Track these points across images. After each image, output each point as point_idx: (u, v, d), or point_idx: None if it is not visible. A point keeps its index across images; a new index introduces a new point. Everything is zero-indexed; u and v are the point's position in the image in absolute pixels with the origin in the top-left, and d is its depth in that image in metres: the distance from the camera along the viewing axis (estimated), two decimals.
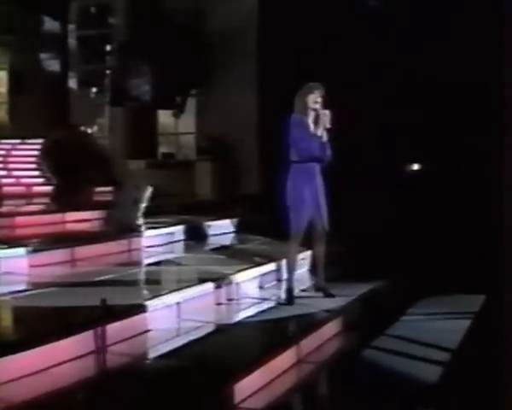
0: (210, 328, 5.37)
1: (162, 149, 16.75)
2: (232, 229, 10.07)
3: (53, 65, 18.27)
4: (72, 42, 17.49)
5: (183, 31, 15.31)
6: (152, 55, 15.53)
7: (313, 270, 6.84)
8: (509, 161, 4.71)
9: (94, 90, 18.09)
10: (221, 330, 5.38)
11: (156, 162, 15.40)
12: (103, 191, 11.71)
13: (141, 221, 7.74)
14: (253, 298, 6.44)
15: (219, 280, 6.16)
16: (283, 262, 6.86)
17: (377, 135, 10.24)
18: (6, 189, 13.57)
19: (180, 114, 16.56)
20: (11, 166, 15.27)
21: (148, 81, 15.70)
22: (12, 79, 18.42)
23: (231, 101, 14.10)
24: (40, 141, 15.85)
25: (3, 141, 16.40)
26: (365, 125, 10.25)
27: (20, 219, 8.54)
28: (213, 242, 9.07)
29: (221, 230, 9.71)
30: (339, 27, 11.31)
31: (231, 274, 6.41)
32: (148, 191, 7.82)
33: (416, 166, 10.41)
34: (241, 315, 5.95)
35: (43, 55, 18.25)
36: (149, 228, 8.11)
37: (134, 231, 7.52)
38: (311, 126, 6.26)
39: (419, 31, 10.08)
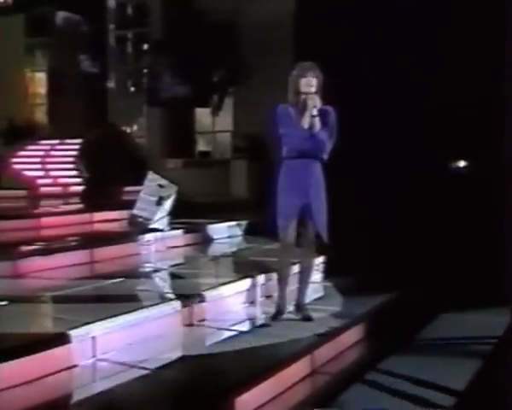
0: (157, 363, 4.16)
1: (199, 148, 16.66)
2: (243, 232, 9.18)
3: (91, 65, 18.34)
4: (110, 42, 17.51)
5: (219, 29, 15.25)
6: (188, 53, 15.51)
7: (299, 284, 5.48)
8: None
9: (132, 89, 18.12)
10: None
11: (193, 161, 15.31)
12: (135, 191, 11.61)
13: (164, 221, 7.51)
14: (225, 319, 5.31)
15: (190, 298, 5.12)
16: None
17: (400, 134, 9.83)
18: (43, 189, 13.73)
19: (218, 112, 16.50)
20: (49, 166, 15.40)
21: (184, 80, 15.66)
22: (51, 81, 18.56)
23: (268, 98, 13.91)
24: (78, 141, 15.92)
25: (43, 142, 16.55)
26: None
27: (46, 220, 8.34)
28: (225, 246, 8.30)
29: (232, 233, 8.93)
30: (377, 22, 11.00)
31: (209, 289, 5.38)
32: (173, 190, 7.62)
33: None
34: (202, 342, 4.89)
35: (81, 56, 18.33)
36: (172, 228, 7.82)
37: (155, 231, 7.31)
38: (298, 116, 5.15)
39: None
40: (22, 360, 3.59)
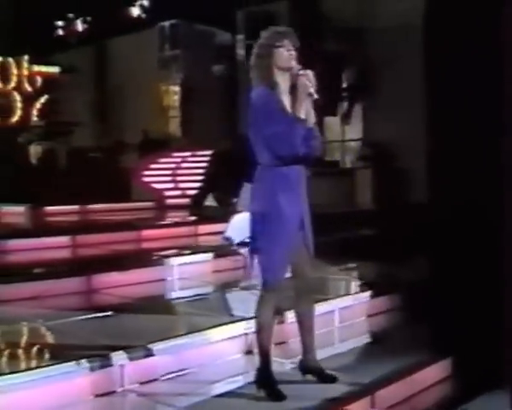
0: None
1: (328, 157, 16.27)
2: None
3: (222, 76, 18.48)
4: (240, 52, 17.52)
5: (346, 34, 14.89)
6: (315, 59, 15.23)
7: (300, 337, 4.06)
8: None
9: None
10: None
11: (319, 171, 14.92)
12: None
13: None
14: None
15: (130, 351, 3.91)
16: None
17: None
18: (170, 201, 13.96)
19: (348, 121, 16.10)
20: (179, 178, 15.61)
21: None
22: (184, 93, 18.93)
23: (397, 105, 13.49)
24: (210, 153, 16.04)
25: (175, 154, 16.85)
26: None
27: (148, 232, 8.54)
28: None
29: None
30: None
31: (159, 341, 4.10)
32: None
33: None
34: None
35: (213, 68, 18.52)
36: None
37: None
38: (287, 103, 3.75)
39: None
40: None
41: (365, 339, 5.20)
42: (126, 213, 11.72)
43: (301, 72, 3.70)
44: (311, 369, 4.03)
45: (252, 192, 3.83)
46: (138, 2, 19.70)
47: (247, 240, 4.04)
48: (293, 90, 3.75)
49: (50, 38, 21.02)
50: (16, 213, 11.44)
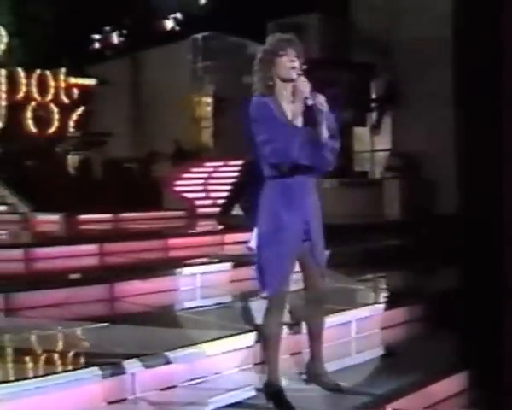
0: None
1: (357, 168, 16.41)
2: None
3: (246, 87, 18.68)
4: None
5: (375, 45, 15.01)
6: (345, 72, 15.40)
7: (309, 346, 4.08)
8: None
9: None
10: None
11: (348, 181, 15.06)
12: None
13: None
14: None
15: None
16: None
17: None
18: (201, 210, 14.14)
19: (377, 132, 16.21)
20: (210, 187, 15.83)
21: (342, 99, 15.52)
22: (215, 104, 19.21)
23: (425, 116, 13.57)
24: (240, 162, 16.25)
25: (207, 163, 17.15)
26: None
27: (174, 241, 8.59)
28: None
29: None
30: None
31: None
32: None
33: None
34: None
35: (243, 78, 18.72)
36: None
37: None
38: (289, 113, 3.65)
39: None
40: None
41: (381, 351, 5.15)
42: (157, 221, 11.96)
43: (297, 77, 3.59)
44: (316, 377, 4.03)
45: (258, 205, 3.78)
46: (172, 15, 20.12)
47: None
48: (294, 98, 3.66)
49: (87, 51, 21.66)
50: (51, 221, 11.81)
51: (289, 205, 3.66)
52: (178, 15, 20.40)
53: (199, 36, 19.70)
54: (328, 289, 4.09)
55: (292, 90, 3.65)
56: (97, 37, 22.57)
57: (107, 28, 22.38)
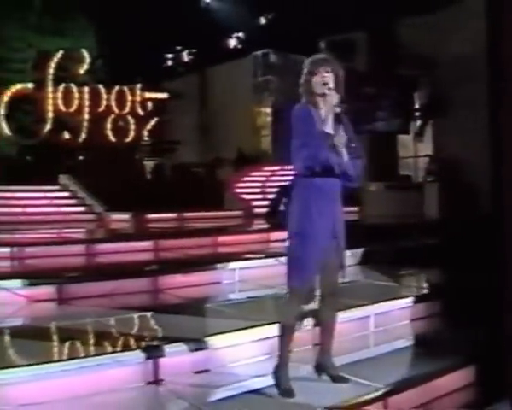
0: None
1: (401, 172, 17.48)
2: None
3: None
4: None
5: (419, 60, 15.96)
6: (391, 84, 16.45)
7: (320, 338, 4.31)
8: None
9: None
10: None
11: (393, 184, 16.09)
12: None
13: None
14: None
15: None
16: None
17: None
18: (257, 210, 15.37)
19: (420, 138, 17.19)
20: (268, 190, 16.77)
21: (387, 108, 16.65)
22: (274, 114, 20.71)
23: (464, 124, 14.24)
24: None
25: (265, 168, 18.62)
26: None
27: (223, 238, 9.19)
28: None
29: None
30: None
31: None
32: None
33: None
34: None
35: (298, 91, 20.05)
36: None
37: None
38: (323, 120, 3.99)
39: None
40: None
41: (400, 344, 5.21)
42: (217, 220, 12.87)
43: (329, 93, 3.95)
44: (325, 369, 4.23)
45: (290, 202, 4.07)
46: (235, 35, 21.61)
47: None
48: (327, 108, 4.01)
49: (160, 68, 23.23)
50: (121, 220, 12.88)
51: (321, 203, 3.94)
52: (241, 35, 21.96)
53: (259, 53, 21.11)
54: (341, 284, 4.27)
55: (325, 100, 4.02)
56: (169, 55, 24.23)
57: (178, 47, 24.02)
